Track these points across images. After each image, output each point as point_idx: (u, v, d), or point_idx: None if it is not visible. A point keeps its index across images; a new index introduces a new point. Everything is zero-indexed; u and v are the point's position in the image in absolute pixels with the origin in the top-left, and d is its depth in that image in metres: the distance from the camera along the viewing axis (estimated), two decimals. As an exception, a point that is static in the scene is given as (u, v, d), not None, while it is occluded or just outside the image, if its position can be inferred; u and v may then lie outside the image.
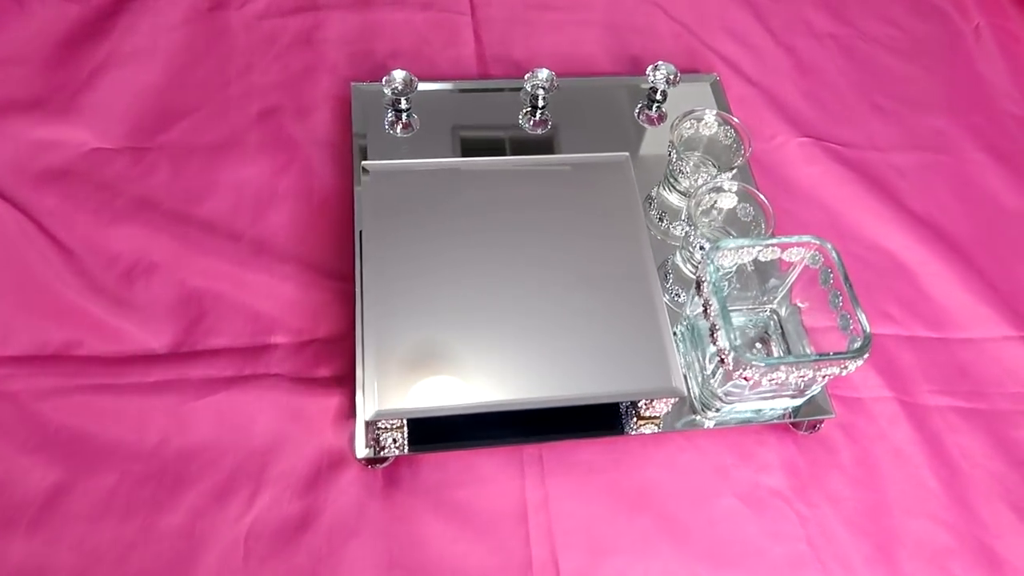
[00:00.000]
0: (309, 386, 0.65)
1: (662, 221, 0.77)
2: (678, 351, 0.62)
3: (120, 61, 0.82)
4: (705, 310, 0.59)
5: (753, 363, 0.55)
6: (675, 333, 0.68)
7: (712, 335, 0.58)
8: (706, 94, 0.84)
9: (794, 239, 0.62)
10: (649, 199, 0.78)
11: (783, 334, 0.68)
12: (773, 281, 0.68)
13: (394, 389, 0.58)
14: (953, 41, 0.95)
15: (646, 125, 0.83)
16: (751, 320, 0.69)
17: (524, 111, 0.81)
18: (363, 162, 0.68)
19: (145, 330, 0.67)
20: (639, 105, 0.83)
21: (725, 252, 0.61)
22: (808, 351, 0.65)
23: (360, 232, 0.67)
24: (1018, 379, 0.72)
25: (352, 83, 0.80)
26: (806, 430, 0.67)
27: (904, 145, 0.86)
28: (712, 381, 0.62)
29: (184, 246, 0.71)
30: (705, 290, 0.59)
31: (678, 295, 0.72)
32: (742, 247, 0.61)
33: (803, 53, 0.92)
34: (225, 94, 0.82)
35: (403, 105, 0.77)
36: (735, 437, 0.66)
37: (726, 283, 0.67)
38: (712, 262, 0.59)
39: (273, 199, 0.75)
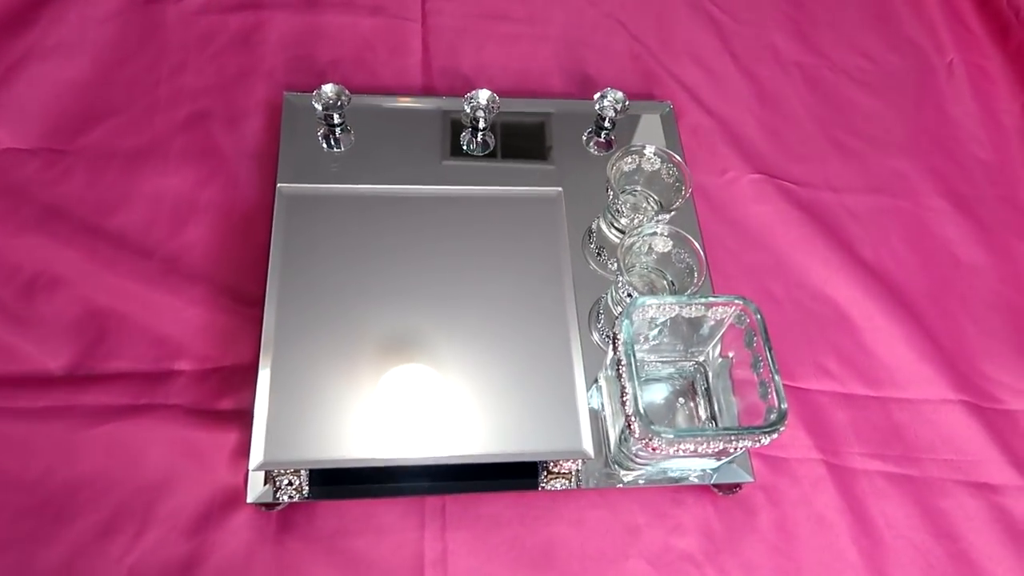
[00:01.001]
0: (207, 420, 0.62)
1: (600, 255, 0.74)
2: (600, 395, 0.59)
3: (43, 54, 0.78)
4: (618, 368, 0.56)
5: (660, 434, 0.52)
6: (596, 380, 0.65)
7: (622, 397, 0.55)
8: (657, 123, 0.81)
9: (720, 299, 0.58)
10: (589, 232, 0.75)
11: (708, 388, 0.65)
12: (704, 331, 0.65)
13: (289, 436, 0.55)
14: (924, 77, 0.91)
15: (594, 151, 0.79)
16: (678, 371, 0.66)
17: (465, 132, 0.77)
18: (278, 184, 0.65)
19: (42, 349, 0.64)
20: (587, 131, 0.80)
21: (644, 308, 0.58)
22: (733, 410, 0.62)
23: (271, 256, 0.63)
24: (952, 446, 0.69)
25: (285, 92, 0.76)
26: (725, 491, 0.65)
27: (861, 186, 0.83)
28: (624, 441, 0.60)
29: (91, 260, 0.68)
30: (619, 349, 0.56)
31: (609, 337, 0.69)
32: (663, 304, 0.58)
33: (766, 81, 0.88)
34: (153, 95, 0.78)
35: (336, 120, 0.73)
36: (650, 495, 0.64)
37: (654, 331, 0.64)
38: (628, 319, 0.56)
39: (191, 214, 0.71)
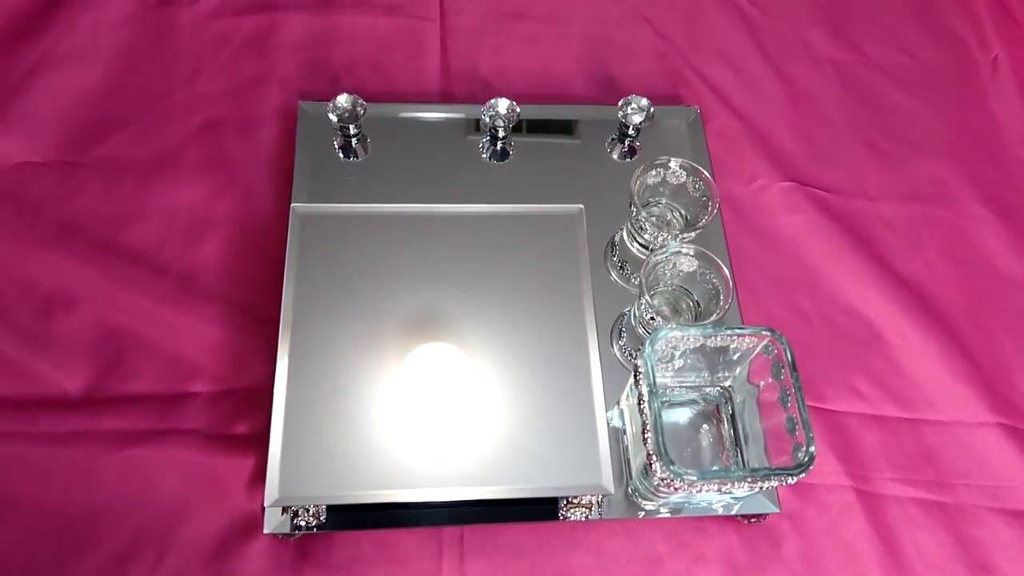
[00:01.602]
0: (224, 445, 0.62)
1: (623, 269, 0.71)
2: (622, 420, 0.57)
3: (56, 62, 0.76)
4: (639, 404, 0.54)
5: (682, 476, 0.51)
6: (619, 402, 0.64)
7: (643, 433, 0.54)
8: (684, 129, 0.78)
9: (747, 331, 0.56)
10: (612, 244, 0.72)
11: (733, 414, 0.63)
12: (730, 357, 0.63)
13: (304, 470, 0.54)
14: (967, 74, 0.87)
15: (617, 158, 0.76)
16: (703, 396, 0.64)
17: (484, 140, 0.75)
18: (292, 204, 0.63)
19: (60, 371, 0.63)
20: (611, 138, 0.77)
21: (667, 341, 0.56)
22: (760, 438, 0.60)
23: (284, 282, 0.62)
24: (987, 471, 0.67)
25: (300, 102, 0.74)
26: (750, 520, 0.63)
27: (897, 194, 0.79)
28: (645, 475, 0.58)
29: (107, 278, 0.67)
30: (641, 383, 0.54)
31: (632, 355, 0.67)
32: (686, 336, 0.56)
33: (798, 81, 0.84)
34: (166, 103, 0.76)
35: (352, 131, 0.71)
36: (672, 524, 0.62)
37: (678, 357, 0.62)
38: (650, 350, 0.54)
39: (205, 228, 0.70)
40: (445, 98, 0.79)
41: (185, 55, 0.79)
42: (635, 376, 0.56)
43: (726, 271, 0.62)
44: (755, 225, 0.76)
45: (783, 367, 0.56)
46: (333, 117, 0.70)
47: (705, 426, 0.63)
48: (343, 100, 0.70)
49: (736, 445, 0.62)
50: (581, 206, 0.66)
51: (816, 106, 0.83)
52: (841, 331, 0.72)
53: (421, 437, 0.56)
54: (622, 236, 0.72)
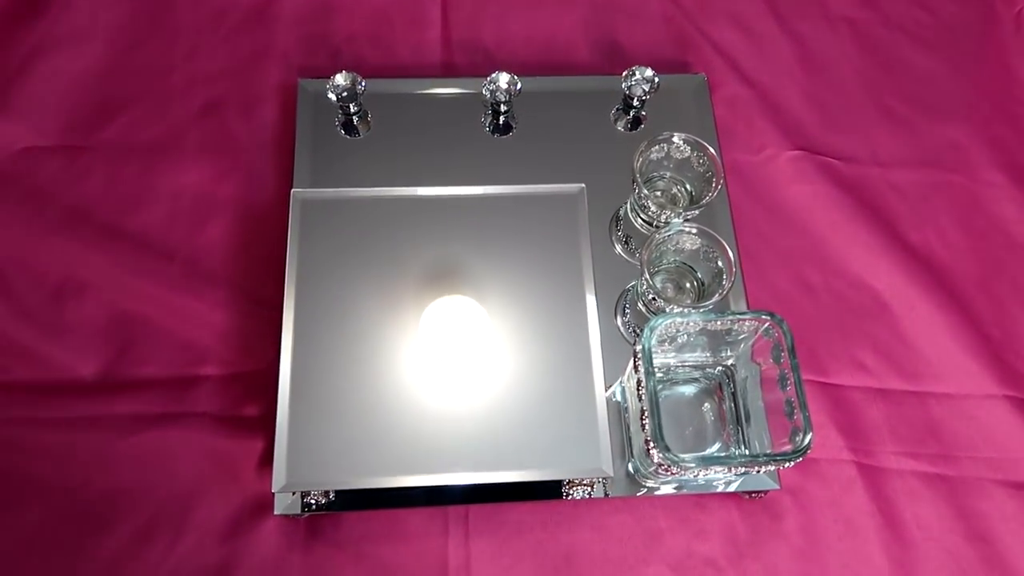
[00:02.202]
0: (235, 427, 0.63)
1: (628, 243, 0.71)
2: (624, 396, 0.58)
3: (55, 43, 0.76)
4: (638, 388, 0.55)
5: (680, 463, 0.51)
6: (620, 381, 0.64)
7: (642, 419, 0.54)
8: (690, 97, 0.76)
9: (747, 315, 0.56)
10: (616, 219, 0.72)
11: (735, 393, 0.63)
12: (731, 338, 0.62)
13: (311, 456, 0.55)
14: (988, 30, 0.83)
15: (622, 129, 0.75)
16: (705, 374, 0.65)
17: (486, 114, 0.74)
18: (292, 190, 0.63)
19: (73, 357, 0.65)
20: (615, 108, 0.75)
21: (666, 327, 0.56)
22: (761, 417, 0.61)
23: (286, 269, 0.62)
24: (993, 443, 0.67)
25: (299, 79, 0.73)
26: (751, 495, 0.64)
27: (910, 159, 0.77)
28: (645, 456, 0.59)
29: (116, 264, 0.68)
30: (640, 371, 0.54)
31: (635, 331, 0.67)
32: (686, 322, 0.56)
33: (811, 42, 0.82)
34: (167, 82, 0.76)
35: (352, 109, 0.71)
36: (674, 500, 0.63)
37: (680, 338, 0.62)
38: (649, 338, 0.54)
39: (211, 211, 0.71)
40: (447, 69, 0.78)
41: (184, 31, 0.78)
42: (634, 361, 0.56)
43: (730, 253, 0.61)
44: (762, 196, 0.75)
45: (782, 351, 0.56)
46: (332, 96, 0.69)
47: (707, 404, 0.64)
48: (341, 79, 0.69)
49: (737, 423, 0.62)
50: (582, 185, 0.65)
51: (829, 68, 0.81)
52: (848, 303, 0.71)
53: (424, 420, 0.57)
54: (626, 210, 0.71)
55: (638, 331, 0.66)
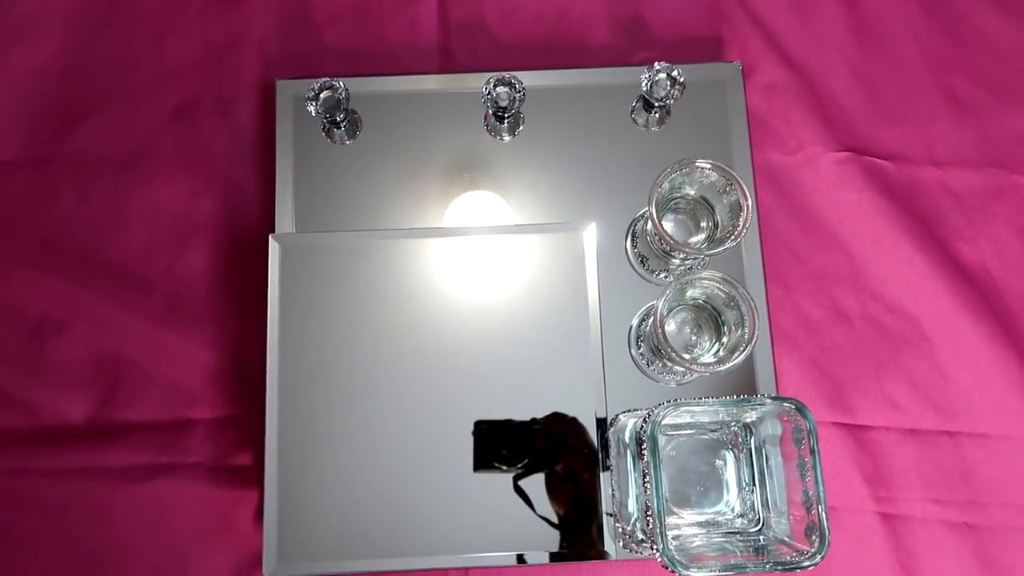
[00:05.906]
0: (228, 477, 0.61)
1: (644, 264, 0.65)
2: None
3: (7, 39, 0.68)
4: (644, 479, 0.51)
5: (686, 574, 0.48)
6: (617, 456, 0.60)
7: (646, 515, 0.51)
8: (722, 88, 0.66)
9: (767, 404, 0.51)
10: (633, 234, 0.65)
11: (751, 452, 0.59)
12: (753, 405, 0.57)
13: (301, 536, 0.54)
14: (1084, -11, 0.70)
15: (641, 126, 0.67)
16: (718, 427, 0.60)
17: (487, 113, 0.66)
18: (270, 236, 0.58)
19: (61, 401, 0.63)
20: (634, 103, 0.66)
21: (677, 415, 0.51)
22: (782, 481, 0.56)
23: (268, 320, 0.58)
24: (1027, 491, 0.62)
25: (277, 80, 0.65)
26: (763, 549, 0.61)
27: (972, 158, 0.67)
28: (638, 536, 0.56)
29: (94, 299, 0.64)
30: (645, 458, 0.50)
31: (649, 364, 0.63)
32: (699, 410, 0.51)
33: (868, 8, 0.70)
34: (135, 77, 0.68)
35: (337, 118, 0.63)
36: (681, 554, 0.61)
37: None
38: (655, 427, 0.50)
39: (190, 233, 0.65)
40: (443, 56, 0.69)
41: (147, 15, 0.69)
42: (638, 449, 0.52)
43: (752, 303, 0.55)
44: (796, 205, 0.67)
45: (803, 439, 0.51)
46: (311, 109, 0.61)
47: (718, 461, 0.60)
48: (323, 93, 0.61)
49: (752, 485, 0.59)
50: (592, 224, 0.58)
51: (887, 41, 0.69)
52: (884, 332, 0.65)
53: (417, 491, 0.55)
54: (643, 225, 0.64)
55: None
